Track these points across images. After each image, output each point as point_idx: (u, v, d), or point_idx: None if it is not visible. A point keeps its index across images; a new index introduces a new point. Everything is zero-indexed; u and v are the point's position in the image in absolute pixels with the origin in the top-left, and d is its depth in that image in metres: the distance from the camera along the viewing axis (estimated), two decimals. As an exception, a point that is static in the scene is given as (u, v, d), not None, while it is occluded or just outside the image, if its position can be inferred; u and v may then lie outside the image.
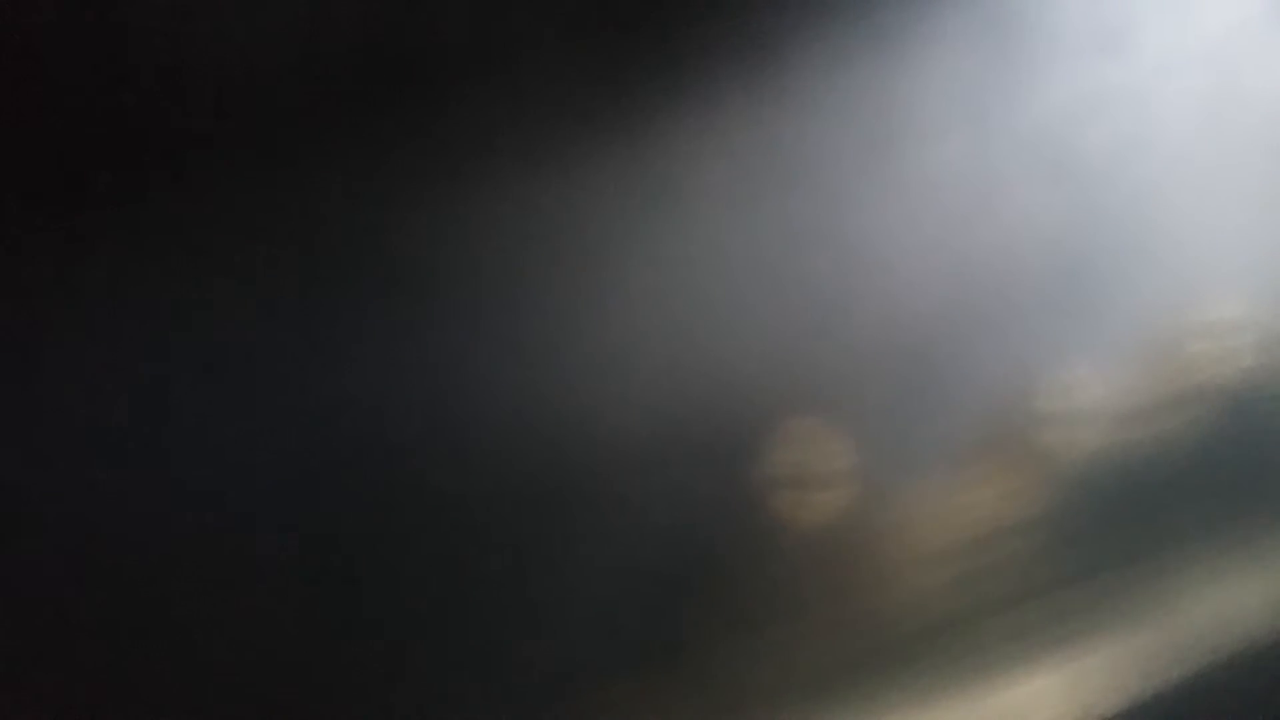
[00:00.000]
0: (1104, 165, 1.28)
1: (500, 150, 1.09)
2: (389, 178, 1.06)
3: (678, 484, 1.14)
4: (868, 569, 1.21)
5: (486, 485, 1.09)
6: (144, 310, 1.01)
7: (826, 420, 1.19)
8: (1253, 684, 1.31)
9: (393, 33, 1.06)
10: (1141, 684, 1.28)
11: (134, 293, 1.01)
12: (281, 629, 1.05)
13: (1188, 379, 1.32)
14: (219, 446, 1.03)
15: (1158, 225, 1.30)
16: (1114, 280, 1.29)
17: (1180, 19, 1.31)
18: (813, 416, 1.19)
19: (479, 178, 1.09)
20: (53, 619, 0.99)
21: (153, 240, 1.01)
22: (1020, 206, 1.25)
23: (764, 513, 1.17)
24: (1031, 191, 1.26)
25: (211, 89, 1.02)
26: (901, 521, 1.22)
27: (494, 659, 1.10)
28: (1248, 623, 1.32)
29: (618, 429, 1.12)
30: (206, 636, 1.03)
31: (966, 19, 1.23)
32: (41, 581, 0.99)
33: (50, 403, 0.99)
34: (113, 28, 1.00)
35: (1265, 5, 1.34)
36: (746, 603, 1.17)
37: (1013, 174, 1.25)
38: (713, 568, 1.16)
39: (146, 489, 1.01)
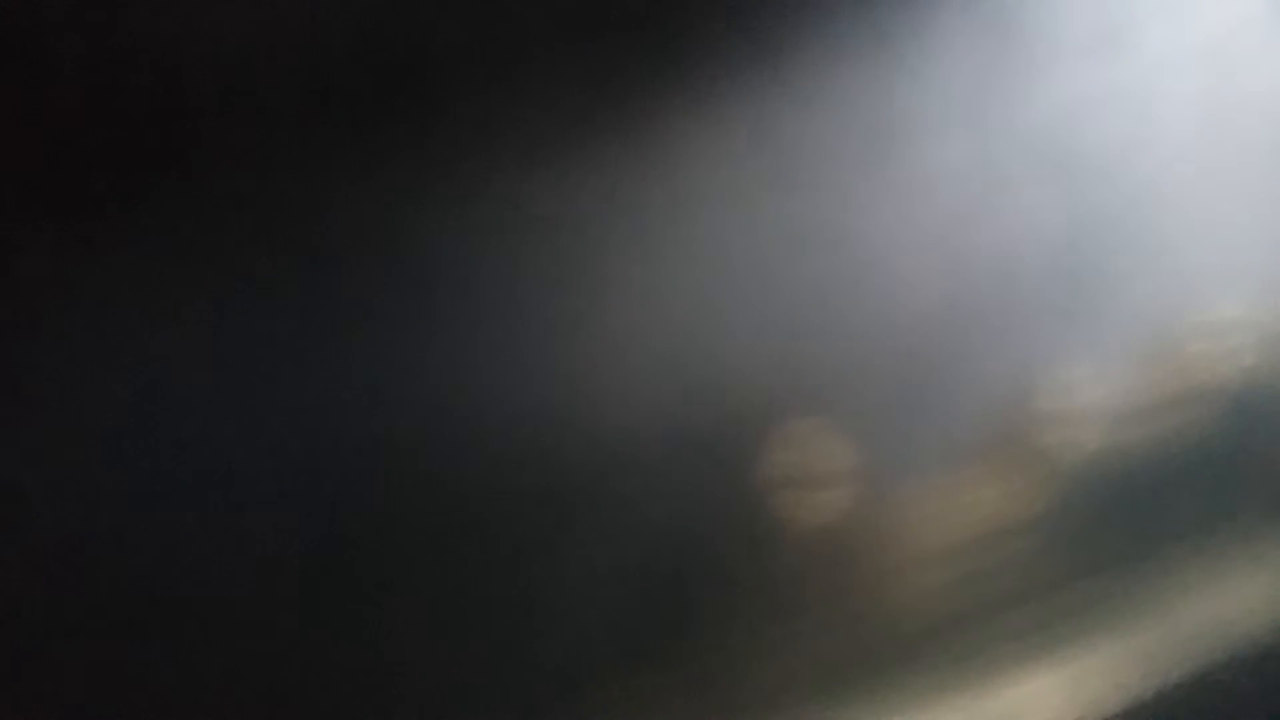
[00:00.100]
0: (1104, 165, 1.28)
1: (500, 150, 1.09)
2: (389, 178, 1.06)
3: (678, 484, 1.14)
4: (868, 569, 1.21)
5: (487, 485, 1.09)
6: (144, 310, 1.01)
7: (826, 420, 1.19)
8: (1253, 684, 1.31)
9: (393, 34, 1.06)
10: (1141, 684, 1.28)
11: (134, 292, 1.01)
12: (281, 628, 1.05)
13: (1188, 379, 1.32)
14: (219, 446, 1.03)
15: (1158, 225, 1.30)
16: (1114, 280, 1.29)
17: (1180, 19, 1.31)
18: (813, 416, 1.19)
19: (479, 178, 1.09)
20: (53, 619, 0.99)
21: (153, 240, 1.01)
22: (1020, 206, 1.25)
23: (764, 513, 1.17)
24: (1031, 191, 1.26)
25: (211, 89, 1.02)
26: (901, 521, 1.22)
27: (494, 659, 1.10)
28: (1248, 623, 1.32)
29: (618, 429, 1.12)
30: (206, 636, 1.03)
31: (966, 19, 1.23)
32: (41, 581, 0.99)
33: (50, 403, 0.99)
34: (113, 28, 1.00)
35: (1265, 5, 1.34)
36: (746, 603, 1.17)
37: (1013, 174, 1.25)
38: (713, 568, 1.16)
39: (146, 489, 1.01)
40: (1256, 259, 1.35)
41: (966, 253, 1.24)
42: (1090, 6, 1.28)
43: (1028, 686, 1.25)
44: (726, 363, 1.16)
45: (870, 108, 1.20)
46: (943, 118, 1.23)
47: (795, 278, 1.18)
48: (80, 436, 1.00)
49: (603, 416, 1.12)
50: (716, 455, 1.15)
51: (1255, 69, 1.35)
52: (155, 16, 1.01)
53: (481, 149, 1.09)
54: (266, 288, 1.04)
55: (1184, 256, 1.31)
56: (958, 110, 1.23)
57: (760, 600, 1.18)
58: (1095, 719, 1.27)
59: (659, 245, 1.14)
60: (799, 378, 1.19)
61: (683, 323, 1.15)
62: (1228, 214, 1.34)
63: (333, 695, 1.06)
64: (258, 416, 1.04)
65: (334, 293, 1.05)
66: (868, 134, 1.20)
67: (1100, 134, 1.28)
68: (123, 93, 1.00)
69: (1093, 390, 1.28)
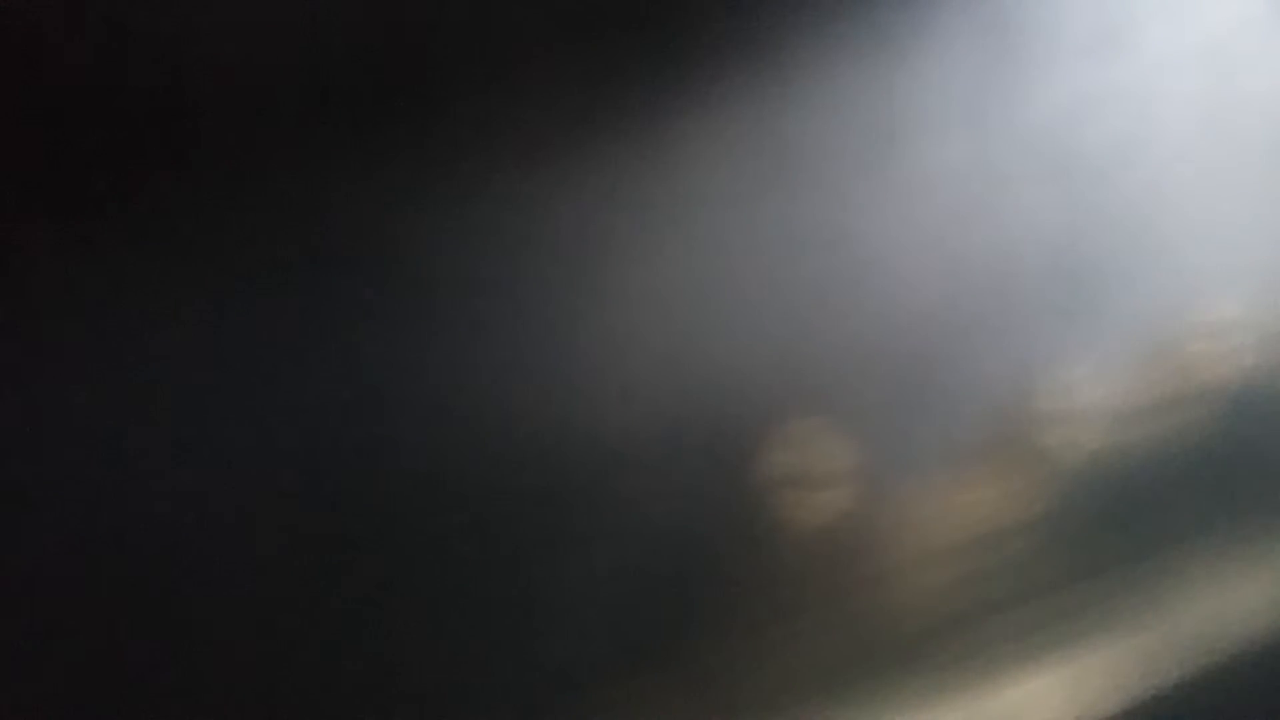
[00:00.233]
0: (1104, 165, 1.28)
1: (500, 150, 1.09)
2: (389, 178, 1.06)
3: (678, 484, 1.14)
4: (868, 569, 1.21)
5: (487, 485, 1.09)
6: (144, 310, 1.01)
7: (826, 420, 1.20)
8: (1253, 684, 1.31)
9: (393, 34, 1.06)
10: (1141, 684, 1.28)
11: (134, 292, 1.01)
12: (282, 628, 1.05)
13: (1188, 379, 1.32)
14: (219, 446, 1.03)
15: (1158, 225, 1.30)
16: (1114, 280, 1.29)
17: (1180, 19, 1.31)
18: (813, 416, 1.19)
19: (479, 178, 1.09)
20: (53, 619, 0.99)
21: (153, 240, 1.01)
22: (1020, 206, 1.25)
23: (764, 513, 1.17)
24: (1031, 191, 1.26)
25: (211, 89, 1.02)
26: (901, 521, 1.22)
27: (494, 659, 1.10)
28: (1248, 623, 1.32)
29: (618, 429, 1.12)
30: (206, 636, 1.03)
31: (966, 19, 1.23)
32: (41, 581, 0.99)
33: (50, 403, 0.99)
34: (113, 27, 1.00)
35: (1265, 5, 1.35)
36: (746, 603, 1.17)
37: (1013, 174, 1.25)
38: (713, 568, 1.16)
39: (146, 489, 1.01)
40: (1256, 259, 1.35)
41: (966, 253, 1.24)
42: (1090, 6, 1.28)
43: (1028, 686, 1.25)
44: (726, 363, 1.16)
45: (870, 108, 1.20)
46: (943, 118, 1.23)
47: (795, 278, 1.18)
48: (80, 436, 1.00)
49: (603, 416, 1.12)
50: (716, 455, 1.15)
51: (1255, 69, 1.35)
52: (155, 16, 1.01)
53: (481, 149, 1.09)
54: (266, 288, 1.04)
55: (1184, 256, 1.31)
56: (958, 110, 1.23)
57: (760, 600, 1.18)
58: (1095, 719, 1.27)
59: (659, 245, 1.14)
60: (799, 378, 1.19)
61: (683, 323, 1.15)
62: (1228, 214, 1.34)
63: (333, 695, 1.06)
64: (258, 416, 1.04)
65: (334, 293, 1.05)
66: (868, 134, 1.20)
67: (1100, 134, 1.28)
68: (123, 93, 1.00)
69: (1093, 390, 1.28)
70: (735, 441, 1.16)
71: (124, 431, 1.01)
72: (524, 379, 1.10)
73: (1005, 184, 1.25)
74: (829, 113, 1.19)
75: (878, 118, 1.20)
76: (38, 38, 0.98)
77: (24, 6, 0.98)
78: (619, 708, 1.13)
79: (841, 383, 1.20)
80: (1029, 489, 1.26)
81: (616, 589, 1.12)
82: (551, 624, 1.11)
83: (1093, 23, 1.28)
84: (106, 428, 1.00)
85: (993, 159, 1.24)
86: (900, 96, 1.21)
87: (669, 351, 1.14)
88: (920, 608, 1.23)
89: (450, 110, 1.08)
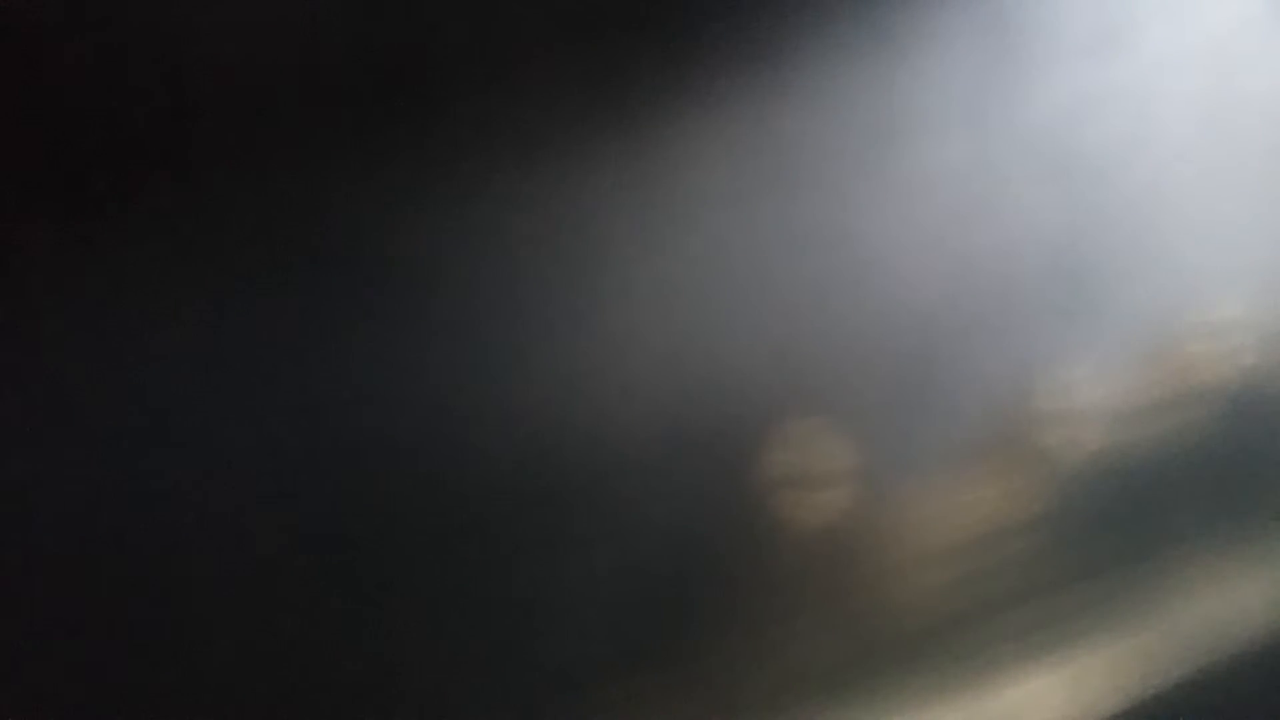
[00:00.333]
0: (1104, 165, 1.28)
1: (501, 150, 1.09)
2: (389, 178, 1.06)
3: (678, 484, 1.14)
4: (868, 569, 1.21)
5: (487, 485, 1.09)
6: (144, 310, 1.01)
7: (826, 420, 1.20)
8: (1253, 684, 1.31)
9: (393, 34, 1.06)
10: (1141, 684, 1.28)
11: (134, 292, 1.01)
12: (282, 628, 1.05)
13: (1188, 379, 1.32)
14: (219, 446, 1.03)
15: (1158, 225, 1.30)
16: (1114, 280, 1.29)
17: (1180, 19, 1.31)
18: (813, 416, 1.19)
19: (479, 178, 1.09)
20: (53, 619, 0.99)
21: (153, 240, 1.01)
22: (1020, 206, 1.25)
23: (764, 513, 1.17)
24: (1031, 191, 1.26)
25: (211, 90, 1.02)
26: (901, 521, 1.22)
27: (494, 658, 1.10)
28: (1248, 623, 1.32)
29: (618, 429, 1.12)
30: (206, 636, 1.03)
31: (966, 19, 1.23)
32: (41, 581, 0.99)
33: (50, 403, 0.99)
34: (113, 28, 1.00)
35: (1265, 5, 1.35)
36: (746, 603, 1.17)
37: (1013, 174, 1.25)
38: (713, 568, 1.16)
39: (146, 489, 1.01)
40: (1256, 259, 1.35)
41: (966, 253, 1.24)
42: (1090, 6, 1.28)
43: (1028, 686, 1.25)
44: (726, 363, 1.16)
45: (870, 108, 1.20)
46: (943, 118, 1.23)
47: (795, 278, 1.18)
48: (80, 436, 1.00)
49: (603, 416, 1.12)
50: (716, 455, 1.15)
51: (1255, 69, 1.35)
52: (155, 16, 1.01)
53: (481, 149, 1.09)
54: (266, 288, 1.04)
55: (1184, 256, 1.31)
56: (958, 110, 1.23)
57: (760, 600, 1.18)
58: (1095, 719, 1.27)
59: (659, 245, 1.14)
60: (799, 378, 1.19)
61: (683, 323, 1.15)
62: (1228, 214, 1.34)
63: (333, 695, 1.06)
64: (258, 416, 1.04)
65: (334, 293, 1.05)
66: (868, 134, 1.20)
67: (1100, 134, 1.28)
68: (123, 93, 1.00)
69: (1093, 390, 1.28)
70: (735, 441, 1.16)
71: (124, 431, 1.01)
72: (524, 379, 1.10)
73: (1005, 184, 1.25)
74: (829, 113, 1.19)
75: (878, 118, 1.20)
76: (38, 38, 0.98)
77: (24, 6, 0.98)
78: (619, 708, 1.13)
79: (841, 383, 1.20)
80: (1029, 489, 1.26)
81: (616, 589, 1.12)
82: (551, 624, 1.11)
83: (1093, 23, 1.28)
84: (106, 428, 1.00)
85: (993, 159, 1.24)
86: (900, 96, 1.21)
87: (669, 351, 1.14)
88: (920, 608, 1.23)
89: (450, 110, 1.08)
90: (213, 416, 1.03)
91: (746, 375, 1.17)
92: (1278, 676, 1.32)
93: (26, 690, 0.99)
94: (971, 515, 1.24)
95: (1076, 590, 1.27)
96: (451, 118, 1.08)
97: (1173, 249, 1.31)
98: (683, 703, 1.15)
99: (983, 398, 1.25)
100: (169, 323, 1.02)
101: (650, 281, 1.14)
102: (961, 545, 1.24)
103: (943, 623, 1.23)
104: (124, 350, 1.01)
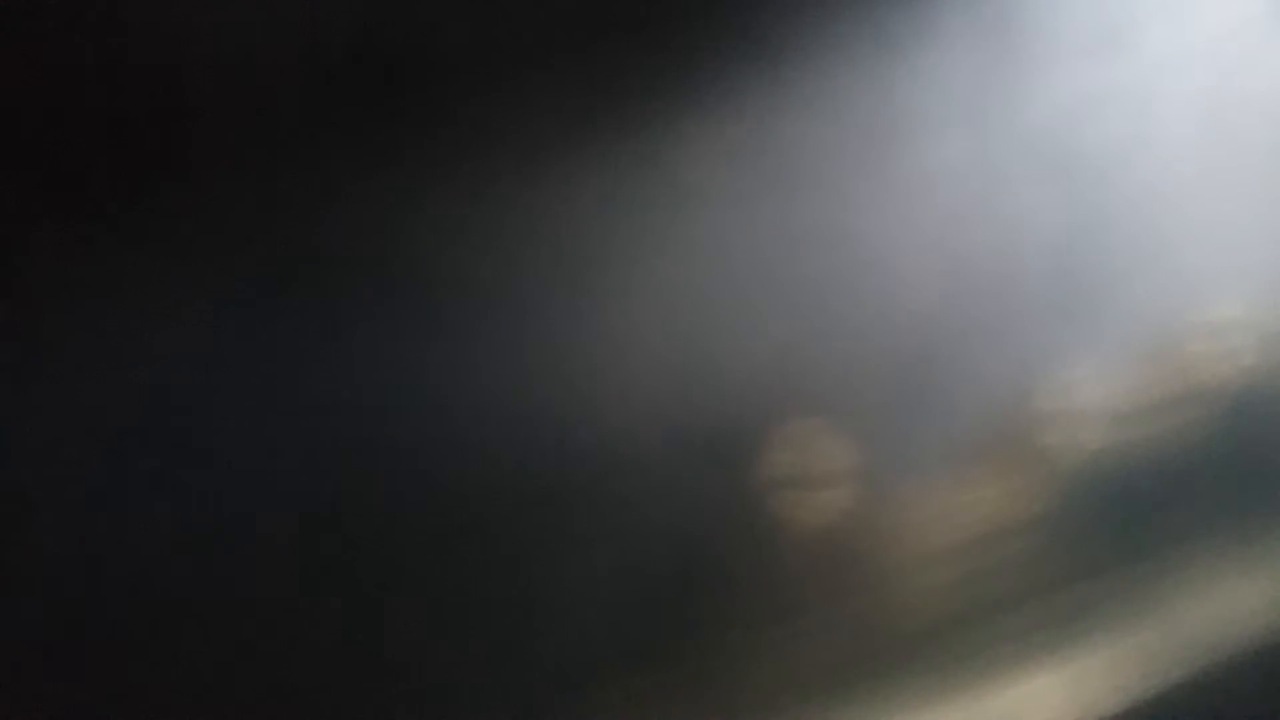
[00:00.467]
0: (1104, 165, 1.28)
1: (501, 151, 1.09)
2: (390, 179, 1.06)
3: (678, 484, 1.14)
4: (868, 569, 1.21)
5: (487, 485, 1.09)
6: (144, 310, 1.01)
7: (826, 420, 1.19)
8: (1253, 684, 1.31)
9: (394, 35, 1.06)
10: (1141, 684, 1.28)
11: (134, 292, 1.01)
12: (282, 628, 1.05)
13: (1188, 379, 1.32)
14: (219, 446, 1.03)
15: (1158, 225, 1.30)
16: (1114, 280, 1.29)
17: (1180, 19, 1.31)
18: (813, 417, 1.19)
19: (480, 179, 1.09)
20: (53, 619, 0.99)
21: (153, 240, 1.01)
22: (1020, 206, 1.25)
23: (764, 513, 1.17)
24: (1031, 191, 1.26)
25: (211, 89, 1.02)
26: (901, 522, 1.22)
27: (494, 659, 1.10)
28: (1248, 623, 1.32)
29: (618, 429, 1.12)
30: (206, 635, 1.03)
31: (966, 19, 1.23)
32: (41, 581, 0.99)
33: (50, 403, 0.99)
34: (113, 27, 1.00)
35: (1265, 5, 1.34)
36: (746, 603, 1.17)
37: (1013, 174, 1.25)
38: (713, 568, 1.16)
39: (146, 489, 1.01)
40: (1256, 259, 1.35)
41: (966, 253, 1.24)
42: (1090, 6, 1.28)
43: (1028, 686, 1.25)
44: (726, 363, 1.16)
45: (870, 108, 1.20)
46: (943, 118, 1.23)
47: (795, 278, 1.18)
48: (80, 436, 1.00)
49: (603, 416, 1.12)
50: (716, 455, 1.15)
51: (1255, 69, 1.35)
52: (155, 16, 1.01)
53: (482, 150, 1.09)
54: (266, 288, 1.04)
55: (1184, 256, 1.31)
56: (958, 110, 1.23)
57: (760, 600, 1.18)
58: (1095, 719, 1.27)
59: (659, 245, 1.14)
60: (799, 378, 1.19)
61: (683, 323, 1.15)
62: (1228, 214, 1.34)
63: (333, 695, 1.06)
64: (258, 416, 1.04)
65: (334, 293, 1.05)
66: (868, 134, 1.20)
67: (1100, 134, 1.28)
68: (123, 93, 1.00)
69: (1093, 390, 1.28)
70: (735, 441, 1.16)
71: (124, 431, 1.01)
72: (524, 379, 1.10)
73: (1005, 184, 1.25)
74: (829, 113, 1.19)
75: (878, 118, 1.20)
76: (38, 38, 0.98)
77: (24, 6, 0.98)
78: (619, 708, 1.13)
79: (841, 383, 1.20)
80: (1029, 489, 1.26)
81: (616, 589, 1.12)
82: (551, 624, 1.11)
83: (1093, 23, 1.28)
84: (106, 428, 1.00)
85: (993, 159, 1.24)
86: (900, 96, 1.21)
87: (669, 351, 1.14)
88: (920, 608, 1.23)
89: (451, 110, 1.08)
90: (213, 416, 1.03)
91: (746, 375, 1.17)
92: (1278, 676, 1.32)
93: (26, 690, 0.99)
94: (971, 515, 1.24)
95: (1076, 590, 1.27)
96: (452, 118, 1.08)
97: (1173, 249, 1.31)
98: (683, 703, 1.15)
99: (983, 398, 1.25)
100: (169, 323, 1.02)
101: (650, 281, 1.14)
102: (961, 545, 1.24)
103: (943, 623, 1.23)
104: (124, 350, 1.01)
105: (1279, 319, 1.35)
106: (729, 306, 1.16)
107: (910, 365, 1.22)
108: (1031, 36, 1.25)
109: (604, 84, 1.11)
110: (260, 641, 1.04)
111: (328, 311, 1.05)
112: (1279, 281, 1.35)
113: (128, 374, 1.01)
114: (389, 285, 1.07)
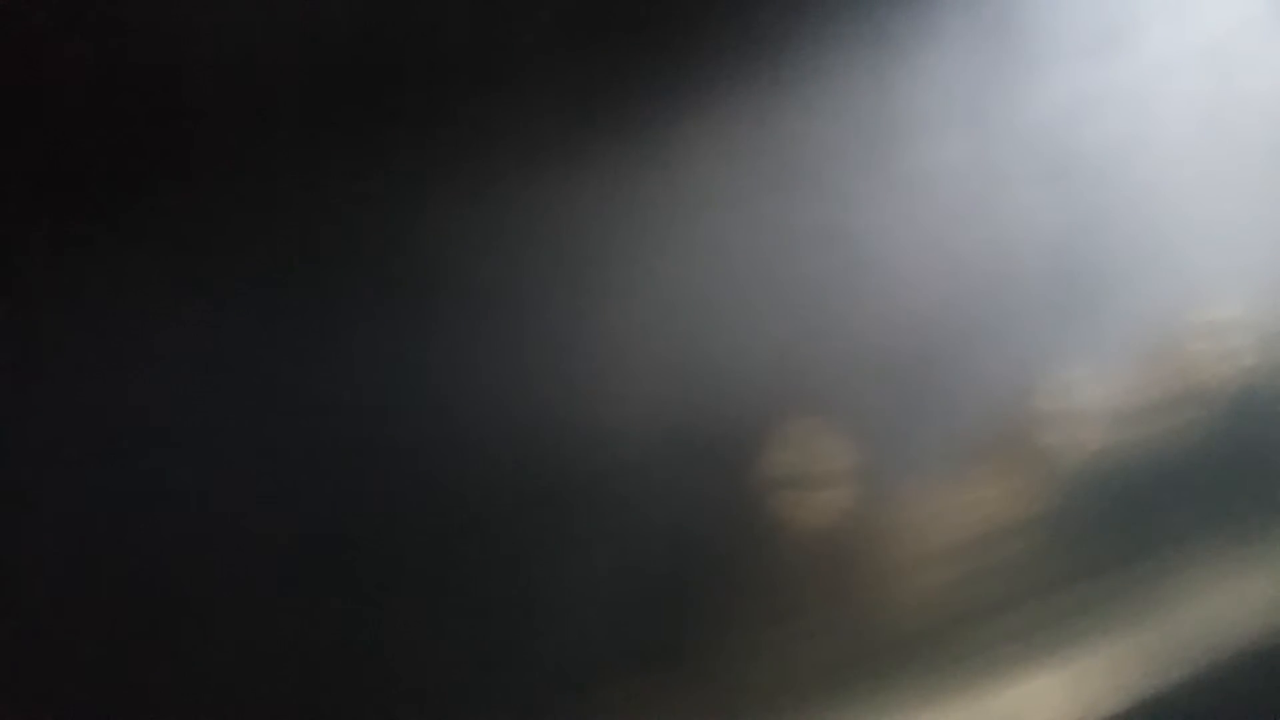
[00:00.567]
0: (1104, 165, 1.28)
1: (502, 151, 1.09)
2: (390, 179, 1.06)
3: (678, 484, 1.14)
4: (868, 569, 1.21)
5: (487, 485, 1.09)
6: (144, 310, 1.01)
7: (827, 420, 1.20)
8: (1253, 684, 1.31)
9: (394, 34, 1.06)
10: (1141, 684, 1.28)
11: (134, 292, 1.01)
12: (282, 628, 1.05)
13: (1188, 379, 1.32)
14: (219, 446, 1.03)
15: (1158, 225, 1.30)
16: (1114, 280, 1.29)
17: (1180, 19, 1.31)
18: (813, 416, 1.19)
19: (480, 178, 1.09)
20: (53, 619, 0.99)
21: (153, 240, 1.01)
22: (1020, 206, 1.25)
23: (764, 513, 1.17)
24: (1031, 191, 1.26)
25: (211, 89, 1.02)
26: (901, 522, 1.22)
27: (494, 658, 1.10)
28: (1248, 623, 1.32)
29: (618, 429, 1.12)
30: (206, 636, 1.03)
31: (966, 19, 1.23)
32: (41, 581, 0.99)
33: (50, 403, 0.99)
34: (113, 27, 1.00)
35: (1265, 5, 1.35)
36: (746, 603, 1.17)
37: (1013, 174, 1.25)
38: (713, 568, 1.16)
39: (147, 489, 1.01)
40: (1256, 259, 1.35)
41: (966, 253, 1.24)
42: (1090, 6, 1.28)
43: (1028, 686, 1.25)
44: (726, 363, 1.16)
45: (870, 108, 1.20)
46: (943, 117, 1.23)
47: (795, 278, 1.18)
48: (80, 436, 1.00)
49: (603, 417, 1.12)
50: (716, 455, 1.15)
51: (1255, 69, 1.35)
52: (155, 16, 1.01)
53: (482, 150, 1.09)
54: (266, 288, 1.04)
55: (1184, 256, 1.31)
56: (958, 110, 1.23)
57: (760, 600, 1.18)
58: (1095, 719, 1.27)
59: (659, 245, 1.14)
60: (799, 378, 1.19)
61: (683, 323, 1.15)
62: (1228, 214, 1.34)
63: (333, 695, 1.06)
64: (258, 416, 1.04)
65: (334, 293, 1.05)
66: (868, 134, 1.20)
67: (1100, 134, 1.28)
68: (123, 93, 1.00)
69: (1093, 390, 1.28)
70: (735, 441, 1.16)
71: (124, 431, 1.01)
72: (524, 379, 1.10)
73: (1005, 184, 1.25)
74: (829, 113, 1.19)
75: (878, 118, 1.20)
76: (38, 38, 0.98)
77: (24, 6, 0.98)
78: (619, 708, 1.13)
79: (841, 383, 1.20)
80: (1029, 489, 1.26)
81: (616, 589, 1.12)
82: (551, 624, 1.11)
83: (1093, 23, 1.28)
84: (106, 428, 1.00)
85: (992, 159, 1.24)
86: (900, 96, 1.21)
87: (669, 351, 1.14)
88: (920, 608, 1.23)
89: (451, 110, 1.08)
90: (213, 416, 1.03)
91: (746, 375, 1.17)
92: (1278, 676, 1.32)
93: (26, 690, 0.99)
94: (971, 515, 1.24)
95: (1076, 590, 1.27)
96: (452, 117, 1.08)
97: (1173, 249, 1.31)
98: (683, 703, 1.15)
99: (983, 398, 1.25)
100: (169, 323, 1.02)
101: (650, 281, 1.14)
102: (961, 545, 1.24)
103: (943, 623, 1.23)
104: (124, 350, 1.01)
105: (1279, 319, 1.35)
106: (729, 306, 1.16)
107: (910, 365, 1.22)
108: (1031, 36, 1.25)
109: (604, 84, 1.11)
110: (260, 641, 1.04)
111: (328, 311, 1.05)
112: (1279, 281, 1.36)
113: (128, 374, 1.01)
114: (389, 285, 1.07)
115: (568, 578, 1.11)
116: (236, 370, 1.03)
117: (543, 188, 1.10)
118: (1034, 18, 1.25)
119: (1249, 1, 1.34)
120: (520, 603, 1.10)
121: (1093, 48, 1.28)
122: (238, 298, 1.03)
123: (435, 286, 1.08)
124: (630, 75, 1.12)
